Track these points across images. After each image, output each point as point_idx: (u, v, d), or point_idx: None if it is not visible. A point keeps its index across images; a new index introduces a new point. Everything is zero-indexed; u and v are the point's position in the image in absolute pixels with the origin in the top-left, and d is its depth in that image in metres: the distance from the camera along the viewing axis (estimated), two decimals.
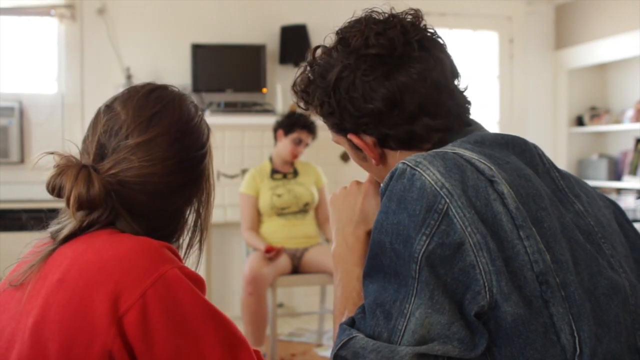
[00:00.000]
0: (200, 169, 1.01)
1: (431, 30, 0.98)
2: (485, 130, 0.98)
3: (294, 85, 1.02)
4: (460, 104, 0.98)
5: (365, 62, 0.93)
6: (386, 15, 0.97)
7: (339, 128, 0.99)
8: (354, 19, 0.98)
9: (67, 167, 0.90)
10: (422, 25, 0.97)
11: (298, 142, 3.48)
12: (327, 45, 0.99)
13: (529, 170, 0.88)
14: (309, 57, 1.00)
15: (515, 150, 0.91)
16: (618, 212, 0.99)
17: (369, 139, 0.97)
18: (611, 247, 0.90)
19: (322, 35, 1.03)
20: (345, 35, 0.96)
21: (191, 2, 4.31)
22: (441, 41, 0.98)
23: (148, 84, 1.01)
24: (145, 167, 0.93)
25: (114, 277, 0.83)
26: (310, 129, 3.49)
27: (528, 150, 0.93)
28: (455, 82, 0.98)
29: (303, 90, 1.01)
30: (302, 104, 1.02)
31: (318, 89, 0.98)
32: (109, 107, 0.98)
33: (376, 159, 0.98)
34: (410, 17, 0.96)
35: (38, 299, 0.86)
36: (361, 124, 0.96)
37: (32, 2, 4.05)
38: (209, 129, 1.04)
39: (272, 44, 4.36)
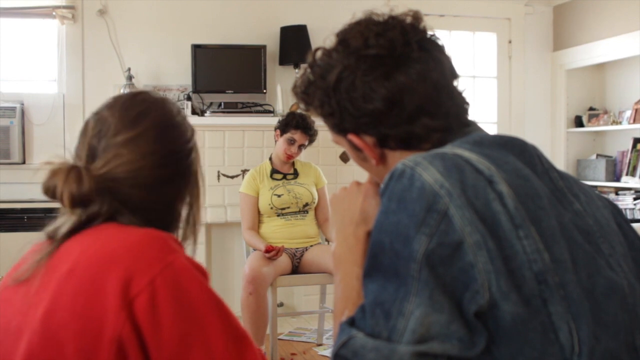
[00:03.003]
0: (188, 162, 1.06)
1: (430, 32, 0.98)
2: (482, 130, 0.99)
3: (295, 87, 1.03)
4: (459, 104, 0.98)
5: (365, 62, 0.93)
6: (386, 16, 0.97)
7: (339, 128, 0.99)
8: (353, 20, 0.98)
9: (59, 169, 0.95)
10: (421, 26, 0.97)
11: (291, 142, 3.47)
12: (327, 47, 0.99)
13: (528, 171, 0.88)
14: (309, 58, 1.00)
15: (514, 151, 0.91)
16: (616, 213, 1.00)
17: (368, 139, 0.97)
18: (610, 246, 0.90)
19: (322, 36, 1.03)
20: (345, 36, 0.96)
21: (191, 3, 4.32)
22: (440, 42, 0.99)
23: (131, 92, 1.09)
24: (135, 161, 0.98)
25: (124, 263, 0.86)
26: (305, 130, 3.46)
27: (527, 151, 0.93)
28: (454, 83, 0.99)
29: (303, 91, 1.01)
30: (302, 105, 1.03)
31: (318, 89, 0.98)
32: (96, 114, 1.04)
33: (376, 159, 0.99)
34: (409, 18, 0.97)
35: (47, 290, 0.88)
36: (361, 124, 0.96)
37: (34, 3, 4.05)
38: (192, 129, 1.10)
39: (272, 45, 4.36)
